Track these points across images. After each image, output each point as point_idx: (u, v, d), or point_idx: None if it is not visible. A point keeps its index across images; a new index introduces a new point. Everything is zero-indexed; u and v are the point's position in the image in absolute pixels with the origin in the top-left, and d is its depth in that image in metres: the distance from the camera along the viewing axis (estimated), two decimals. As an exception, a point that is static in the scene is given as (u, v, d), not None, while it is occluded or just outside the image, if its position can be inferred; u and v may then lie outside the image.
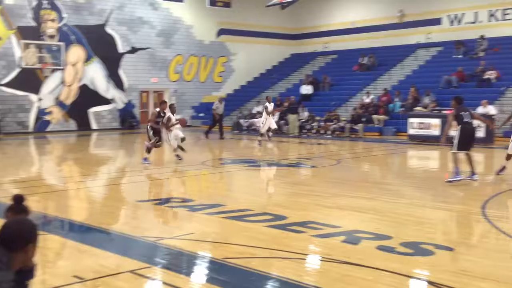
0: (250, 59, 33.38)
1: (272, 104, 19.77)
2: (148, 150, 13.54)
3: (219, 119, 22.69)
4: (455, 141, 10.31)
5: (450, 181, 10.18)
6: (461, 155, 10.42)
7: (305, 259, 5.82)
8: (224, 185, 11.50)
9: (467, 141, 10.31)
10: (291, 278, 5.02)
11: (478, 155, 17.06)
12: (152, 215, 8.24)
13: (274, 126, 19.41)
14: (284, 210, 7.92)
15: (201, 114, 30.26)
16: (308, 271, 5.50)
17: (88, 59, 27.11)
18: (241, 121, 27.61)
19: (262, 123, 19.43)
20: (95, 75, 27.42)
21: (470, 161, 10.36)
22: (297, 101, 26.25)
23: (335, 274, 5.23)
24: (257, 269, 5.28)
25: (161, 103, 14.20)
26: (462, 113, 10.35)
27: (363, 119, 23.56)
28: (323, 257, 5.83)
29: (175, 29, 30.33)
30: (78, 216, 8.06)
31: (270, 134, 19.52)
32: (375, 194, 9.43)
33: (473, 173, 10.26)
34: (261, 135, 19.39)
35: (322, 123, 24.42)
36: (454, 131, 10.65)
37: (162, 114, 13.50)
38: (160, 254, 5.95)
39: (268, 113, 19.17)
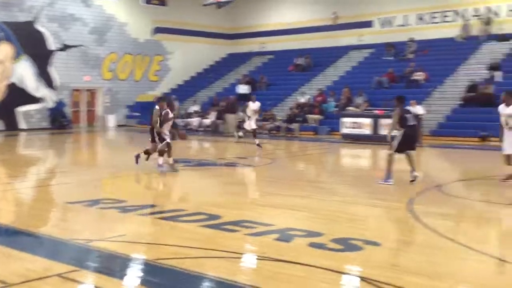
0: (186, 58, 33.14)
1: (257, 103, 18.75)
2: (161, 153, 12.10)
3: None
4: (395, 142, 10.19)
5: (381, 183, 10.18)
6: (397, 156, 10.31)
7: (238, 258, 5.83)
8: (158, 185, 11.36)
9: (407, 144, 10.21)
10: (225, 278, 5.02)
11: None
12: (82, 217, 8.02)
13: (252, 127, 18.45)
14: (218, 210, 7.92)
15: (136, 114, 29.77)
16: (241, 270, 5.52)
17: (17, 57, 26.09)
18: (177, 120, 27.34)
19: (246, 122, 18.62)
20: (24, 73, 26.41)
21: (411, 160, 10.33)
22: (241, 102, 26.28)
23: (268, 272, 5.28)
24: (191, 269, 5.25)
25: (159, 99, 12.76)
26: (406, 115, 10.24)
27: (299, 119, 23.91)
28: (256, 255, 5.87)
29: (108, 26, 29.66)
30: (4, 219, 7.73)
31: (241, 133, 18.98)
32: (309, 192, 9.59)
33: (413, 170, 10.23)
34: (245, 132, 18.99)
35: (258, 123, 24.57)
36: (397, 132, 10.42)
37: (161, 112, 11.98)
38: (90, 256, 5.81)
39: (249, 113, 18.35)
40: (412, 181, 10.13)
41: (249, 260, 5.80)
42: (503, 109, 10.41)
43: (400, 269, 5.28)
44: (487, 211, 8.54)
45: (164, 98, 13.71)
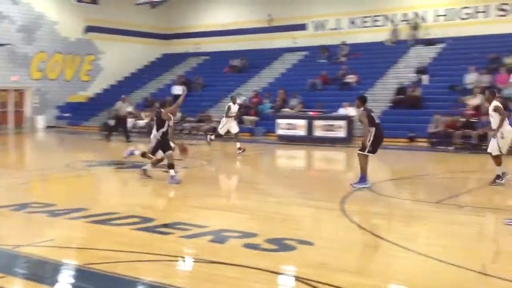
0: (119, 58, 32.49)
1: (237, 106, 17.62)
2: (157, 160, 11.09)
3: (123, 121, 21.73)
4: (368, 144, 9.85)
5: (357, 186, 9.83)
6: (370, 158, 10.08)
7: (172, 260, 5.77)
8: (89, 188, 11.06)
9: (378, 143, 9.99)
10: (158, 281, 4.96)
11: (339, 154, 18.15)
12: (9, 221, 7.69)
13: (235, 130, 17.21)
14: (152, 212, 7.81)
15: (67, 114, 28.89)
16: (176, 273, 5.47)
17: None
18: (110, 121, 26.76)
19: (222, 124, 17.38)
20: None
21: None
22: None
23: (203, 274, 5.26)
24: (124, 273, 5.15)
25: (162, 105, 11.36)
26: (372, 114, 10.00)
27: (234, 120, 23.92)
28: (190, 258, 5.84)
29: (38, 24, 28.64)
30: None
31: (213, 137, 17.70)
32: (244, 193, 9.63)
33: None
34: (217, 135, 17.65)
35: (194, 124, 24.46)
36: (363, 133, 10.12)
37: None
38: (18, 262, 5.58)
39: (229, 115, 17.14)
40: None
41: (183, 263, 5.76)
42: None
43: (332, 267, 5.39)
44: (415, 209, 8.86)
45: (167, 102, 12.57)
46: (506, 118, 10.18)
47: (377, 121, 9.93)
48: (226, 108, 17.45)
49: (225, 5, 32.98)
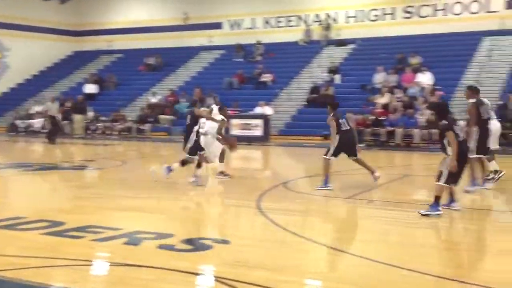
0: (27, 55, 31.02)
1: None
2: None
3: (54, 121, 20.63)
4: (331, 147, 9.88)
5: (320, 189, 9.85)
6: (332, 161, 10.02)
7: (84, 265, 5.56)
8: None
9: (343, 149, 9.94)
10: (68, 286, 4.76)
11: (256, 153, 18.32)
12: None
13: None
14: (63, 216, 7.50)
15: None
16: (88, 277, 5.27)
17: None
18: (18, 122, 25.53)
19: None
20: None
21: (362, 164, 10.18)
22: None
23: (115, 278, 5.11)
24: (32, 280, 4.89)
25: (193, 104, 11.22)
26: (340, 120, 9.97)
27: (150, 119, 23.57)
28: (103, 261, 5.66)
29: None
30: None
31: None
32: (160, 193, 9.48)
33: (373, 172, 10.13)
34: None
35: (107, 124, 23.83)
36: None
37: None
38: None
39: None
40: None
41: (95, 267, 5.56)
42: None
43: (249, 265, 5.41)
44: (328, 205, 9.09)
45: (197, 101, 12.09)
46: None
47: (344, 128, 9.94)
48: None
49: (139, 2, 32.39)
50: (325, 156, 9.93)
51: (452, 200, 7.80)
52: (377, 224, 7.60)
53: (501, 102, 18.73)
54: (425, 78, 21.36)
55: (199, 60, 29.57)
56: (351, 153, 10.04)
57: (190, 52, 29.99)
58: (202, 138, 10.32)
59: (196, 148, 10.40)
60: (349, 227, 7.35)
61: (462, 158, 7.49)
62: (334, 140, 9.90)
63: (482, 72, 21.87)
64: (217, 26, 30.31)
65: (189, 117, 10.83)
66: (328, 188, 9.81)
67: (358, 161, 10.16)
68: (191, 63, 29.38)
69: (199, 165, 10.47)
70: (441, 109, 8.02)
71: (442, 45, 24.24)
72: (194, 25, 30.58)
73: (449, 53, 23.56)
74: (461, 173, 7.64)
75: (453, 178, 7.50)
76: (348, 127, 10.03)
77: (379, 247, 6.25)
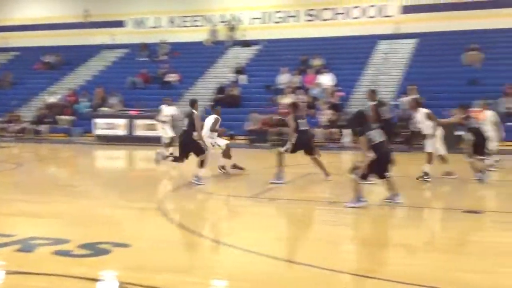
0: None
1: (173, 108, 16.12)
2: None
3: None
4: (288, 143, 10.36)
5: (273, 183, 10.17)
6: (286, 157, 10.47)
7: (-30, 275, 5.15)
8: None
9: (299, 147, 10.40)
10: (-49, 300, 4.39)
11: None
12: None
13: (169, 134, 15.41)
14: None
15: None
16: (-27, 289, 4.89)
17: None
18: None
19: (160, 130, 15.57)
20: None
21: (319, 164, 10.65)
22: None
23: (8, 286, 4.78)
24: None
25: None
26: (298, 121, 10.46)
27: (48, 120, 22.53)
28: (-7, 270, 5.27)
29: None
30: None
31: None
32: (57, 197, 9.04)
33: (326, 174, 10.56)
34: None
35: (2, 125, 22.49)
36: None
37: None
38: None
39: (163, 119, 15.41)
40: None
41: (-16, 277, 5.17)
42: None
43: (152, 268, 5.25)
44: (233, 204, 9.09)
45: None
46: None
47: (302, 128, 10.42)
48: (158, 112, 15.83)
49: (35, -2, 30.84)
50: (280, 149, 10.43)
51: (395, 194, 8.12)
52: (279, 221, 7.69)
53: (396, 103, 19.71)
54: (326, 79, 22.04)
55: (101, 58, 28.65)
56: (308, 152, 10.54)
57: (91, 51, 28.98)
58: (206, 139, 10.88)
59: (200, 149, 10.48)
60: (252, 225, 7.38)
61: (381, 158, 7.88)
62: (292, 138, 10.36)
63: (378, 74, 22.91)
64: (120, 24, 29.53)
65: (187, 120, 10.80)
66: (280, 182, 10.14)
67: (315, 161, 10.70)
68: (93, 62, 28.41)
69: (201, 165, 10.35)
70: (358, 118, 8.48)
71: (342, 47, 25.14)
72: (96, 23, 29.59)
73: (348, 55, 24.47)
74: (381, 170, 7.99)
75: (368, 174, 7.92)
76: (306, 128, 10.64)
77: (285, 245, 6.32)
